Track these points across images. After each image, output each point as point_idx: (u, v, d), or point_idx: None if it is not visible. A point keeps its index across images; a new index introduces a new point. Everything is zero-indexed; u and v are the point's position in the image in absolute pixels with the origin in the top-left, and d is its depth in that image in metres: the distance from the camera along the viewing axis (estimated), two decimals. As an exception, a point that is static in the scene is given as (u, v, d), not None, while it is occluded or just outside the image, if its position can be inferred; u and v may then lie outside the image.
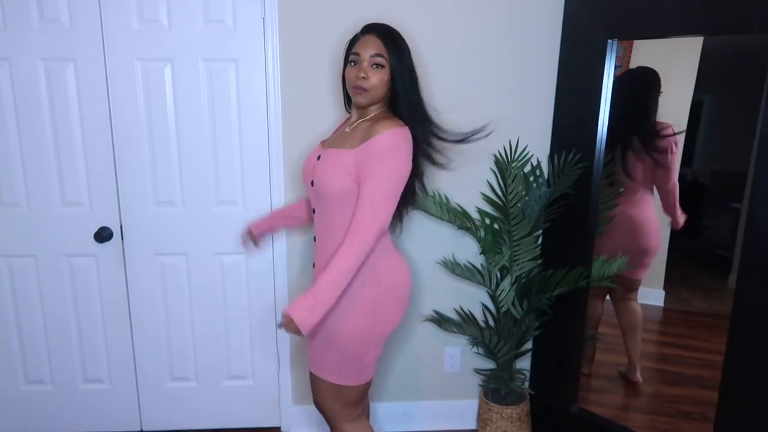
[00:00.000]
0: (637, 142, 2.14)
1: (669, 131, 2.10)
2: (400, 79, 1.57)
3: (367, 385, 1.67)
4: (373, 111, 1.62)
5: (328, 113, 2.08)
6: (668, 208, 2.15)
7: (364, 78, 1.53)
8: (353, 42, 1.61)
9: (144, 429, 2.38)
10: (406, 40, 1.61)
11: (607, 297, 2.39)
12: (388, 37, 1.57)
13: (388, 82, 1.56)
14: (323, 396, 1.65)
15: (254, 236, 2.00)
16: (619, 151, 2.14)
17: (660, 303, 2.38)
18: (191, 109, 2.08)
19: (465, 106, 2.11)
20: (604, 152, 2.01)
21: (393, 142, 1.48)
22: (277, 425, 2.40)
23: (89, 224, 2.15)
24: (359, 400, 1.68)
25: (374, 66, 1.54)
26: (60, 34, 1.98)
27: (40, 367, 2.28)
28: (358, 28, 2.04)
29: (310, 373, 1.67)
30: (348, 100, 1.71)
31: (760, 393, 1.68)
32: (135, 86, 2.04)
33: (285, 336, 2.29)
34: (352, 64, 1.57)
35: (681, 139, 2.12)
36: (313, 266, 1.68)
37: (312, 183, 1.60)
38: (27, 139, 2.07)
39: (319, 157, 1.61)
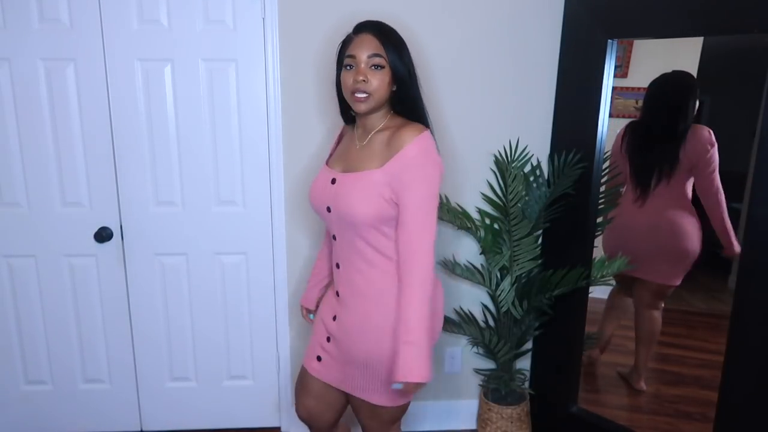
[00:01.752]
0: (671, 146, 2.12)
1: (704, 133, 2.08)
2: (402, 79, 1.44)
3: (404, 408, 1.60)
4: (380, 118, 1.49)
5: (328, 114, 2.08)
6: (714, 221, 2.09)
7: (363, 81, 1.39)
8: (346, 44, 1.47)
9: (144, 429, 2.38)
10: (405, 40, 1.57)
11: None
12: (385, 35, 1.44)
13: (389, 84, 1.43)
14: (358, 411, 1.61)
15: (311, 310, 1.84)
16: (645, 154, 2.13)
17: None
18: (191, 109, 2.08)
19: (465, 107, 2.11)
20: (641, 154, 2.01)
21: (423, 148, 1.39)
22: (277, 425, 2.40)
23: (89, 224, 2.15)
24: (395, 421, 1.62)
25: (373, 67, 1.40)
26: (60, 34, 1.98)
27: (40, 367, 2.28)
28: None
29: (354, 397, 1.59)
30: (345, 109, 1.58)
31: (760, 393, 1.68)
32: (135, 86, 2.04)
33: (285, 336, 2.29)
34: (348, 68, 1.43)
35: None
36: (337, 294, 1.57)
37: (328, 209, 1.47)
38: (27, 139, 2.06)
39: (333, 181, 1.47)
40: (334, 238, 1.53)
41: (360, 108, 1.43)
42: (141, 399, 2.34)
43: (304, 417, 1.69)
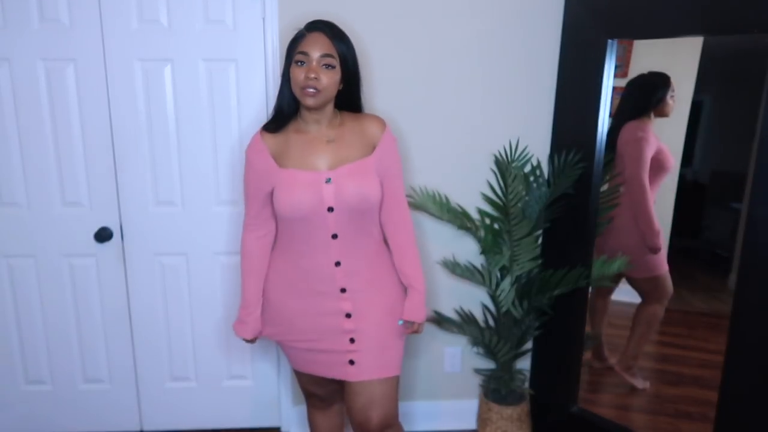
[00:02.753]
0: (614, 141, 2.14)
1: (630, 127, 2.09)
2: (351, 79, 1.56)
3: None
4: (333, 113, 1.58)
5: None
6: (634, 205, 2.14)
7: (315, 79, 1.46)
8: (297, 40, 1.52)
9: (144, 429, 2.38)
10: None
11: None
12: (337, 36, 1.51)
13: (338, 82, 1.52)
14: (387, 401, 1.62)
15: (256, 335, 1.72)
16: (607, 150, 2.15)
17: (660, 303, 2.38)
18: (191, 109, 2.07)
19: (465, 107, 2.11)
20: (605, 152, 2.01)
21: (392, 133, 1.63)
22: (277, 425, 2.40)
23: (89, 224, 2.14)
24: None
25: (325, 66, 1.48)
26: (60, 34, 1.98)
27: (40, 367, 2.28)
28: (360, 29, 2.05)
29: (370, 384, 1.60)
30: (287, 104, 1.57)
31: (760, 393, 1.68)
32: (135, 86, 2.04)
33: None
34: (300, 63, 1.48)
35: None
36: (343, 291, 1.58)
37: (330, 209, 1.50)
38: (27, 139, 2.06)
39: (328, 180, 1.50)
40: (335, 237, 1.54)
41: (309, 102, 1.49)
42: (141, 399, 2.34)
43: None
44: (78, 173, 2.10)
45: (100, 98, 2.04)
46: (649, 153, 2.10)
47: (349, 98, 1.60)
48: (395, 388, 1.67)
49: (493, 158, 2.15)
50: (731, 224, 2.26)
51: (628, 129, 2.11)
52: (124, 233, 2.16)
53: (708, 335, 2.33)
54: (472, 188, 2.19)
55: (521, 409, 2.15)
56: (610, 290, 2.35)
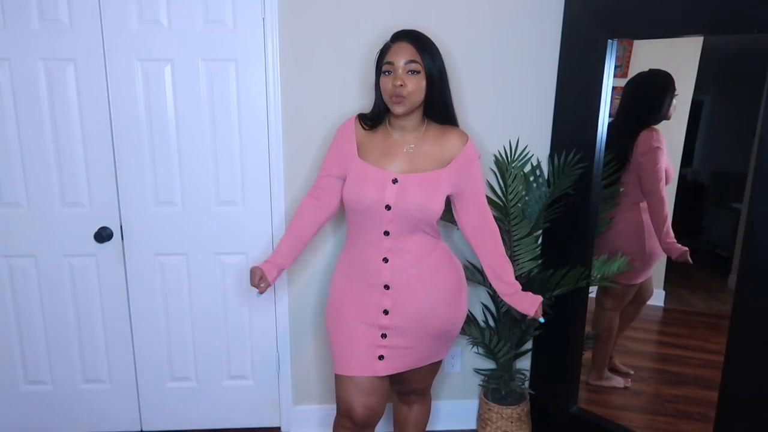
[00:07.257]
0: (626, 145, 2.12)
1: (651, 134, 2.07)
2: (435, 83, 1.61)
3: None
4: (419, 122, 1.66)
5: (328, 113, 2.08)
6: (653, 218, 2.14)
7: (401, 85, 1.55)
8: (384, 51, 1.63)
9: (144, 429, 2.38)
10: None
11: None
12: (420, 42, 1.60)
13: (425, 88, 1.59)
14: (430, 378, 1.88)
15: (267, 284, 1.77)
16: (608, 152, 2.14)
17: (660, 303, 2.38)
18: (191, 109, 2.07)
19: (465, 107, 2.11)
20: (605, 152, 2.00)
21: (474, 146, 1.69)
22: (277, 425, 2.40)
23: (89, 224, 2.15)
24: None
25: (410, 72, 1.57)
26: (60, 34, 1.98)
27: (40, 367, 2.28)
28: (357, 28, 2.05)
29: (415, 369, 1.76)
30: (380, 111, 1.69)
31: (760, 393, 1.68)
32: (135, 86, 2.04)
33: (285, 336, 2.29)
34: (387, 73, 1.60)
35: (673, 144, 2.10)
36: (387, 287, 1.66)
37: (387, 207, 1.60)
38: (27, 139, 2.06)
39: (395, 181, 1.60)
40: (387, 234, 1.62)
41: (398, 110, 1.59)
42: (141, 399, 2.34)
43: (363, 418, 1.68)
44: (78, 173, 2.10)
45: (100, 98, 2.04)
46: (663, 164, 2.10)
47: (432, 106, 1.65)
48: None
49: (493, 158, 2.15)
50: (731, 224, 2.27)
51: (649, 134, 2.08)
52: (124, 233, 2.16)
53: (708, 335, 2.34)
54: (472, 188, 2.18)
55: (521, 409, 2.15)
56: (644, 298, 2.34)
